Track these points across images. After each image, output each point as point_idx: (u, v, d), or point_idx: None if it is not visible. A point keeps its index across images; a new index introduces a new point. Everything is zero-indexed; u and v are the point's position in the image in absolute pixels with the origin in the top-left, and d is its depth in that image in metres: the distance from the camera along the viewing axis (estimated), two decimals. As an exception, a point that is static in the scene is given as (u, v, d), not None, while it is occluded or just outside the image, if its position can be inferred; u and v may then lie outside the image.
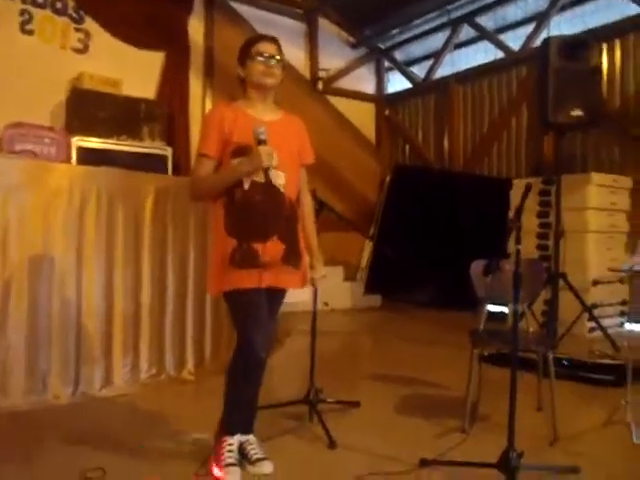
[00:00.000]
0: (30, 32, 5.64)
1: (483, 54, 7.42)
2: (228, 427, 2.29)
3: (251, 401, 2.33)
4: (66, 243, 3.24)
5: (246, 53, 2.24)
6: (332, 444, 2.56)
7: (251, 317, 2.17)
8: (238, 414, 2.31)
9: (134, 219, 3.50)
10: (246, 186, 2.16)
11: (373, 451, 2.51)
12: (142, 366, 3.50)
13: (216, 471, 2.21)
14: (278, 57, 2.24)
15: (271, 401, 2.91)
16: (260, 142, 2.10)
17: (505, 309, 3.57)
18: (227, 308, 2.26)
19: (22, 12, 5.58)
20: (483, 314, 3.09)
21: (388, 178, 7.93)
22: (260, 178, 2.16)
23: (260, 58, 2.21)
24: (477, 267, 3.07)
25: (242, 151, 2.16)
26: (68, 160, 4.42)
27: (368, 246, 7.86)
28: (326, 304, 6.58)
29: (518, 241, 2.21)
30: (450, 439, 2.62)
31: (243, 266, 2.14)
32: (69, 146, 4.53)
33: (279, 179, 2.18)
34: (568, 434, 2.68)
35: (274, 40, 2.28)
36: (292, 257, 2.26)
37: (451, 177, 7.30)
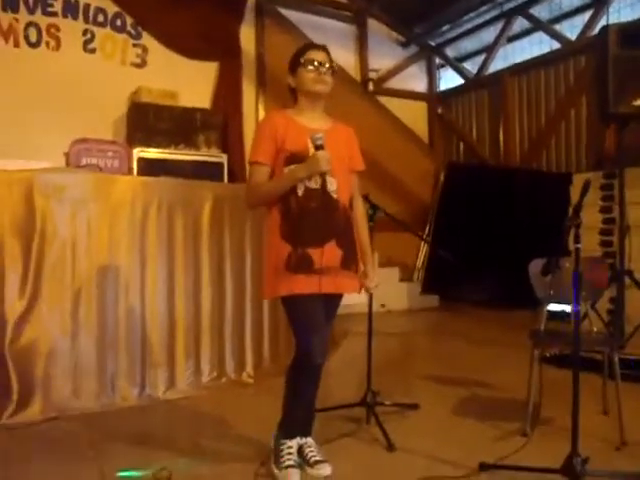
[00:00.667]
0: (92, 50, 5.94)
1: (538, 45, 7.22)
2: (287, 430, 2.34)
3: (309, 405, 2.37)
4: (130, 252, 3.38)
5: (296, 62, 2.27)
6: (390, 447, 2.57)
7: (308, 323, 2.19)
8: (297, 418, 2.35)
9: (193, 226, 3.62)
10: (300, 192, 2.20)
11: (432, 454, 2.50)
12: (203, 369, 3.61)
13: (276, 472, 2.27)
14: (328, 64, 2.26)
15: (329, 404, 2.95)
16: (317, 147, 2.14)
17: (567, 308, 3.47)
18: (285, 312, 2.30)
19: (85, 32, 5.89)
20: (543, 314, 3.01)
21: (442, 176, 7.83)
22: (314, 184, 2.19)
23: (311, 66, 2.24)
24: (536, 266, 3.01)
25: (295, 159, 2.20)
26: (130, 171, 4.62)
27: (424, 246, 7.79)
28: (382, 306, 6.57)
29: (577, 239, 2.15)
30: (510, 443, 2.57)
31: (298, 271, 2.17)
32: (130, 158, 4.73)
33: (331, 185, 2.21)
34: (636, 439, 2.58)
35: (324, 48, 2.30)
36: (350, 262, 2.29)
37: (508, 173, 7.13)
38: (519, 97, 7.38)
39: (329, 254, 2.19)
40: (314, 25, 7.23)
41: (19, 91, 5.39)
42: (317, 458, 2.33)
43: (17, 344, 3.01)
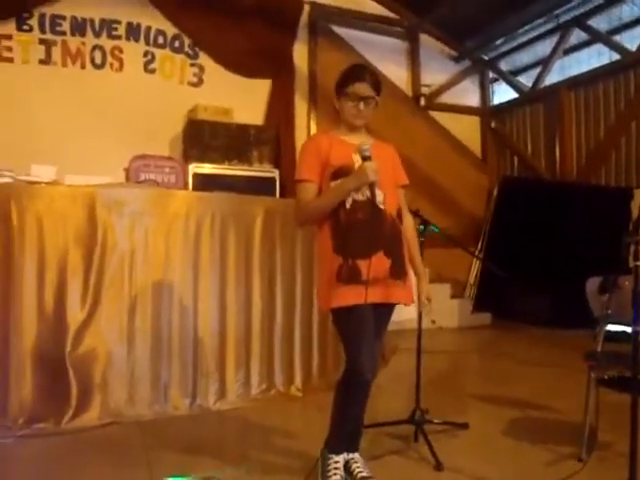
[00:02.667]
0: (152, 71, 6.21)
1: (596, 57, 7.02)
2: (334, 445, 2.33)
3: (357, 420, 2.36)
4: (184, 264, 3.49)
5: (341, 90, 2.30)
6: (439, 466, 2.53)
7: (358, 337, 2.19)
8: (344, 433, 2.34)
9: (245, 240, 3.69)
10: (348, 205, 2.22)
11: (481, 475, 2.44)
12: (253, 382, 3.65)
13: None
14: (371, 97, 2.27)
15: (377, 420, 2.93)
16: (365, 158, 2.16)
17: (627, 329, 3.33)
18: (335, 325, 2.31)
19: (146, 53, 6.17)
20: (601, 334, 2.90)
21: (495, 191, 7.69)
22: (360, 196, 2.21)
23: (353, 102, 2.27)
24: (593, 284, 2.92)
25: (341, 173, 2.23)
26: (185, 186, 4.76)
27: (476, 262, 7.64)
28: (433, 322, 6.44)
29: (637, 257, 2.08)
30: (564, 467, 2.48)
31: (349, 282, 2.18)
32: (186, 173, 4.89)
33: (378, 196, 2.22)
34: (703, 468, 2.44)
35: (369, 79, 2.27)
36: (399, 272, 2.28)
37: (564, 188, 6.93)
38: (576, 110, 7.18)
39: (377, 264, 2.18)
40: (366, 42, 7.30)
41: (85, 110, 5.69)
42: (364, 474, 2.31)
43: (77, 351, 3.14)
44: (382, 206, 2.24)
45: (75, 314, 3.16)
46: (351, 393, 2.26)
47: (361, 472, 2.32)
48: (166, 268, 3.43)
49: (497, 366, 4.92)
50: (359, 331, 2.19)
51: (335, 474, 2.28)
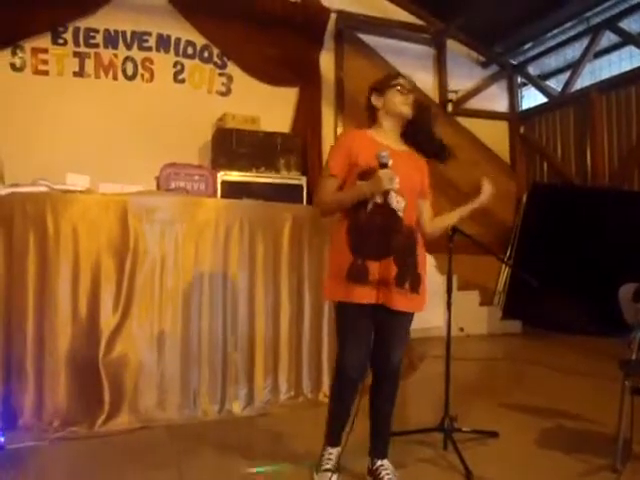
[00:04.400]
0: (182, 81, 6.32)
1: (628, 60, 6.89)
2: (327, 438, 2.46)
3: (346, 415, 2.39)
4: (213, 271, 3.53)
5: (387, 84, 2.38)
6: (468, 474, 2.50)
7: (347, 334, 2.30)
8: (333, 426, 2.44)
9: (273, 246, 3.73)
10: (369, 208, 2.25)
11: (512, 485, 2.41)
12: (281, 388, 3.67)
13: (315, 477, 2.41)
14: (412, 95, 2.39)
15: (405, 427, 2.92)
16: (382, 165, 2.19)
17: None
18: (335, 320, 2.38)
19: (175, 64, 6.28)
20: (635, 342, 2.84)
21: (525, 198, 7.59)
22: (380, 201, 2.24)
23: (400, 90, 2.36)
24: (626, 292, 2.86)
25: (367, 174, 2.25)
26: (214, 194, 4.84)
27: (505, 269, 7.55)
28: (461, 330, 6.41)
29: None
30: (598, 479, 2.43)
31: (356, 281, 2.23)
32: (215, 181, 4.97)
33: (399, 204, 2.25)
34: None
35: (410, 81, 2.44)
36: (406, 280, 2.27)
37: (596, 193, 6.80)
38: (607, 114, 7.05)
39: (384, 269, 2.23)
40: (393, 49, 7.30)
41: (117, 120, 5.82)
42: (393, 482, 2.32)
43: (109, 357, 3.21)
44: (401, 213, 2.27)
45: (108, 320, 3.23)
46: (336, 389, 2.39)
47: (391, 479, 2.32)
48: (195, 275, 3.48)
49: (527, 374, 4.85)
50: (351, 329, 2.29)
51: (327, 464, 2.38)
